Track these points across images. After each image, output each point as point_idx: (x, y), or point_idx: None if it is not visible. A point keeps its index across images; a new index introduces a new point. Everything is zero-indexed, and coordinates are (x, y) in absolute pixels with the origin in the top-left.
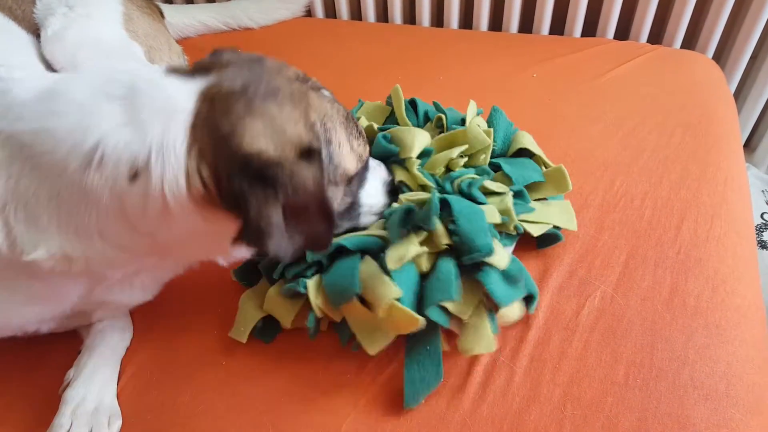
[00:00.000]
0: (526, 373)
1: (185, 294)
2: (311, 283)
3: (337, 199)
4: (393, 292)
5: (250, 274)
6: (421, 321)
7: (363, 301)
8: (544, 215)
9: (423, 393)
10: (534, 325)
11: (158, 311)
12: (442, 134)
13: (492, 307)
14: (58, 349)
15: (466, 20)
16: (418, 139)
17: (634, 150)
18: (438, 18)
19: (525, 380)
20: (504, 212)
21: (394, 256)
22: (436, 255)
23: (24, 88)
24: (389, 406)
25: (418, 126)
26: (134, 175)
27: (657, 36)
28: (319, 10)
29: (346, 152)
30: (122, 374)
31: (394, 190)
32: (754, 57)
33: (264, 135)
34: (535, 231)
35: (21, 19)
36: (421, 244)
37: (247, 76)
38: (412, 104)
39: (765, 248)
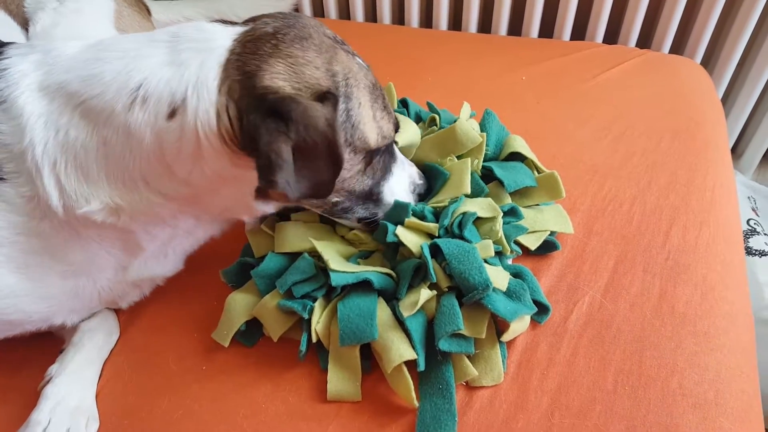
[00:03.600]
0: (513, 380)
1: (166, 295)
2: (317, 304)
3: (354, 168)
4: (408, 353)
5: (240, 276)
6: (416, 404)
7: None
8: (540, 222)
9: (434, 430)
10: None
11: (137, 313)
12: (432, 133)
13: (501, 324)
14: (38, 349)
15: (455, 21)
16: (410, 133)
17: (623, 154)
18: (427, 19)
19: (512, 387)
20: (496, 242)
21: (407, 303)
22: (439, 296)
23: (69, 46)
24: (373, 413)
25: None
26: (172, 113)
27: (646, 40)
28: (307, 9)
29: (366, 116)
30: (100, 377)
31: (422, 193)
32: (741, 63)
33: (283, 74)
34: (532, 244)
35: (15, 14)
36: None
37: (281, 23)
38: (404, 104)
39: (752, 254)
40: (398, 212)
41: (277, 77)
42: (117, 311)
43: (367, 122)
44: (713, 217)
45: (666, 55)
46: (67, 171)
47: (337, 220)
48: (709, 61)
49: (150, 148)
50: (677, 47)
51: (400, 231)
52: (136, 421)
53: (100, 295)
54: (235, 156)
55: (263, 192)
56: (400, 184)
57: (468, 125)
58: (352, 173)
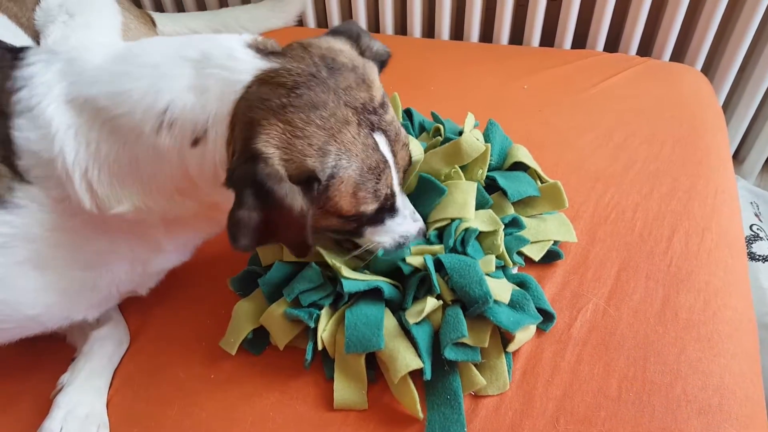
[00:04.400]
0: (519, 387)
1: (174, 304)
2: (323, 312)
3: (327, 220)
4: (414, 362)
5: (247, 284)
6: (421, 416)
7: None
8: (543, 232)
9: None
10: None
11: (146, 322)
12: (436, 148)
13: (506, 334)
14: (50, 356)
15: (457, 31)
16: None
17: (625, 162)
18: (429, 29)
19: (517, 394)
20: (498, 257)
21: (413, 311)
22: (444, 308)
23: (94, 54)
24: (379, 422)
25: (413, 136)
26: (195, 141)
27: (646, 48)
28: (311, 20)
29: (346, 194)
30: (110, 385)
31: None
32: (742, 69)
33: (277, 141)
34: (535, 255)
35: (26, 27)
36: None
37: (305, 78)
38: (408, 114)
39: (755, 260)
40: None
41: (271, 142)
42: (126, 319)
43: (344, 198)
44: (715, 223)
45: (667, 63)
46: (100, 178)
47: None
48: (709, 68)
49: (178, 167)
50: (678, 55)
51: (409, 258)
52: (145, 429)
53: (118, 288)
54: None
55: None
56: (405, 215)
57: (473, 138)
58: (322, 224)
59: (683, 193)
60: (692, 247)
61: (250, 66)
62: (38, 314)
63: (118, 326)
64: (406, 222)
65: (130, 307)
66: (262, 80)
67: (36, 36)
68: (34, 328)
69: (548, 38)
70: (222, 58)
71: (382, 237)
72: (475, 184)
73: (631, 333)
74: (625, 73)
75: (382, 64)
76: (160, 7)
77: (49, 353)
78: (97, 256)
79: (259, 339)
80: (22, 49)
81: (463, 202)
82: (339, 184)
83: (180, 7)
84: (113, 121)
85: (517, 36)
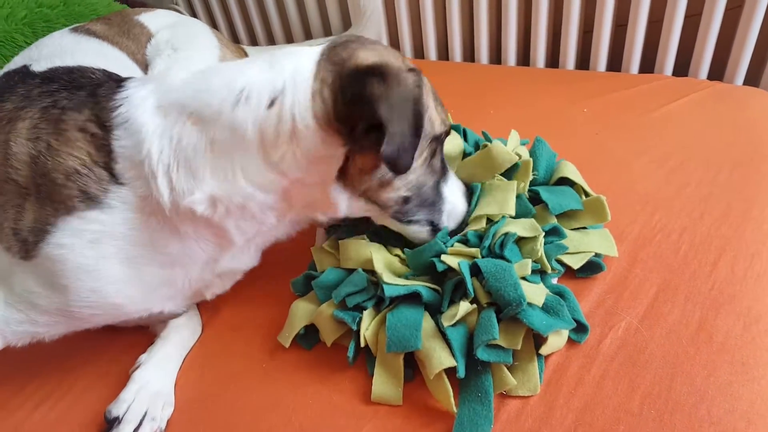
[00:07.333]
0: (542, 397)
1: (241, 301)
2: (366, 313)
3: (422, 155)
4: (448, 361)
5: (305, 286)
6: (454, 410)
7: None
8: (585, 244)
9: None
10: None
11: (215, 316)
12: (468, 156)
13: (540, 339)
14: (133, 343)
15: (525, 57)
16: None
17: (677, 185)
18: (497, 55)
19: (539, 403)
20: (537, 261)
21: (448, 315)
22: (480, 311)
23: (177, 74)
24: (407, 417)
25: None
26: (272, 103)
27: (719, 73)
28: None
29: (431, 104)
30: (180, 367)
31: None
32: None
33: (373, 56)
34: (575, 263)
35: (140, 62)
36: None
37: (355, 36)
38: (463, 133)
39: None
40: (427, 249)
41: (368, 56)
42: (200, 311)
43: (432, 108)
44: (767, 250)
45: (735, 87)
46: (178, 172)
47: (404, 227)
48: None
49: (250, 138)
50: (753, 79)
51: (444, 256)
52: (203, 408)
53: (191, 285)
54: (325, 134)
55: (343, 176)
56: (456, 187)
57: (502, 145)
58: (419, 162)
59: (735, 218)
60: (738, 272)
61: (313, 48)
62: (121, 304)
63: (193, 317)
64: (454, 176)
65: (204, 301)
66: (330, 47)
67: (147, 70)
68: (118, 316)
69: (616, 63)
70: (286, 50)
71: (456, 191)
72: (515, 183)
73: (660, 352)
74: (689, 97)
75: None
76: (254, 42)
77: (136, 340)
78: (172, 255)
79: (310, 335)
80: (125, 78)
81: (502, 200)
82: (426, 95)
83: (271, 40)
84: (195, 112)
85: (584, 62)
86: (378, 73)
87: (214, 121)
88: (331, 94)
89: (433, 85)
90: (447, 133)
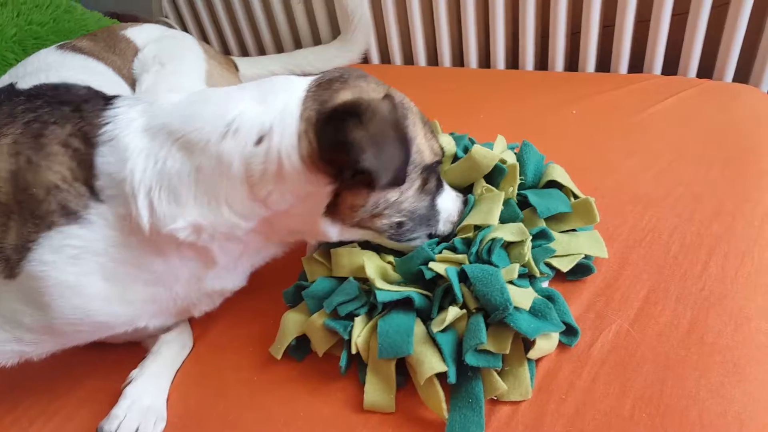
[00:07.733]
0: (533, 402)
1: (231, 316)
2: (358, 320)
3: (414, 184)
4: (439, 366)
5: (296, 296)
6: (445, 415)
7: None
8: (574, 246)
9: None
10: (545, 356)
11: (206, 330)
12: (452, 164)
13: (530, 343)
14: (124, 359)
15: (513, 60)
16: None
17: (668, 184)
18: (485, 59)
19: (530, 408)
20: (524, 265)
21: (437, 321)
22: (469, 316)
23: (170, 97)
24: (398, 426)
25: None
26: (260, 140)
27: (707, 70)
28: (375, 57)
29: (419, 134)
30: (171, 382)
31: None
32: None
33: (349, 95)
34: (564, 266)
35: (126, 77)
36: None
37: (345, 70)
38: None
39: None
40: (416, 256)
41: (345, 97)
42: (191, 324)
43: (421, 138)
44: (758, 248)
45: (725, 84)
46: (160, 195)
47: (404, 244)
48: None
49: (236, 172)
50: (743, 76)
51: (432, 263)
52: (194, 422)
53: (176, 303)
54: (312, 175)
55: (332, 210)
56: (448, 192)
57: (483, 148)
58: (411, 192)
59: (726, 216)
60: (729, 271)
61: (302, 80)
62: (105, 321)
63: (183, 332)
64: (449, 188)
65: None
66: (317, 83)
67: (134, 85)
68: (104, 332)
69: (604, 64)
70: (276, 81)
71: (451, 201)
72: (502, 194)
73: (651, 355)
74: (678, 96)
75: None
76: (244, 51)
77: (127, 355)
78: (156, 273)
79: (302, 346)
80: (114, 96)
81: (487, 210)
82: (413, 125)
83: (261, 50)
84: (183, 138)
85: (573, 63)
86: (354, 112)
87: (201, 150)
88: (315, 136)
89: (421, 112)
90: (439, 162)
